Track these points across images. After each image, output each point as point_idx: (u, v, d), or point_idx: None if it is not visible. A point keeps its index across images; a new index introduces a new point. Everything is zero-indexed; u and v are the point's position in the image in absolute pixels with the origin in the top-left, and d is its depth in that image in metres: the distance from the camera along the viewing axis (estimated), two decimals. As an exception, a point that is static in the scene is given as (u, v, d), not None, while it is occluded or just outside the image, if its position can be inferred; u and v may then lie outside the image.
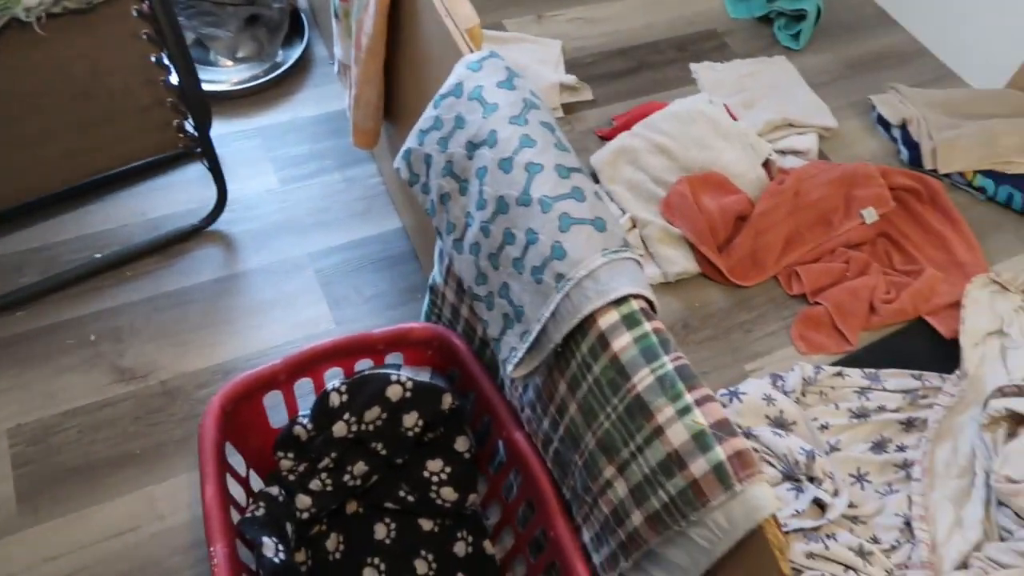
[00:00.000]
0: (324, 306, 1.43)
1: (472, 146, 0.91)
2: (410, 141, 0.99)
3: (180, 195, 1.58)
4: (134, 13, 1.30)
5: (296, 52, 1.88)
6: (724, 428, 0.68)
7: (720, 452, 0.66)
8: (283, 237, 1.52)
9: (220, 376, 1.32)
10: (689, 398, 0.69)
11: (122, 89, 1.35)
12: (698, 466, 0.67)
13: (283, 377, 1.06)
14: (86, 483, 1.18)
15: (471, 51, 1.00)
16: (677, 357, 0.72)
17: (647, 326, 0.74)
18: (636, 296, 0.76)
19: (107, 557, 1.12)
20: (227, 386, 1.01)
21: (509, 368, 0.85)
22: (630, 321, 0.74)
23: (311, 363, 1.08)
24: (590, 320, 0.76)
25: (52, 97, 1.29)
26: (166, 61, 1.35)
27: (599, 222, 0.80)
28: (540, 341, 0.81)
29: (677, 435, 0.69)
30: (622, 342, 0.74)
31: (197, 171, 1.61)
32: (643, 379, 0.72)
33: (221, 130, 1.70)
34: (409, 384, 1.06)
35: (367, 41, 1.23)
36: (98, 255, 1.46)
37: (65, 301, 1.39)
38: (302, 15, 1.93)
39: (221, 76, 1.83)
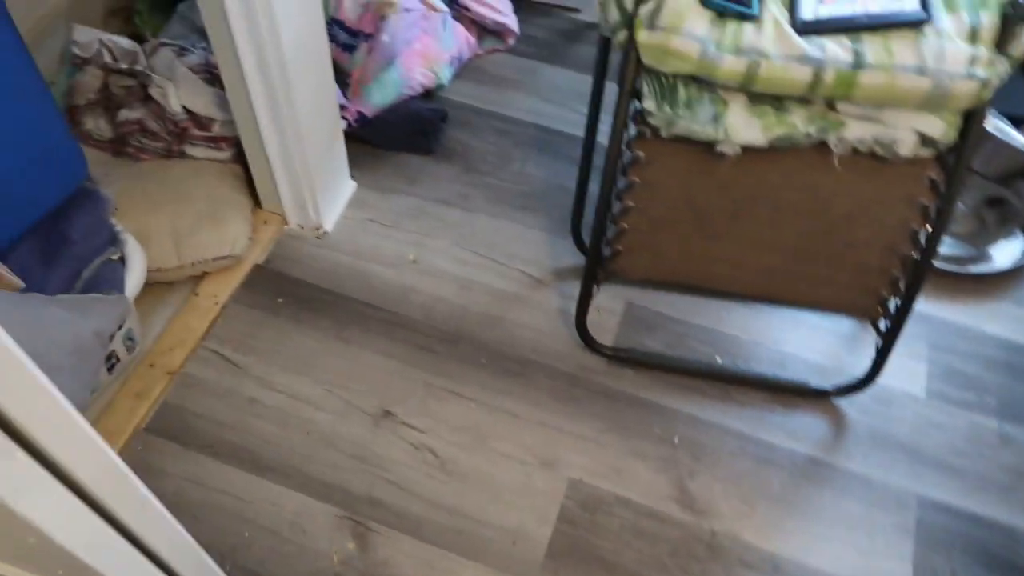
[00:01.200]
0: (907, 567, 1.19)
1: None
2: None
3: (819, 342, 1.45)
4: (926, 181, 1.18)
5: (1015, 252, 1.60)
6: None
7: None
8: (900, 457, 1.31)
9: (768, 566, 1.18)
10: None
11: (859, 239, 1.25)
12: None
13: None
14: (603, 583, 1.16)
15: None
16: None
17: None
18: None
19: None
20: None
21: None
22: None
23: None
24: None
25: (798, 218, 1.24)
26: (919, 235, 1.22)
27: None
28: None
29: None
30: None
31: (849, 326, 1.48)
32: None
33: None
34: None
35: None
36: (718, 359, 1.41)
37: (669, 385, 1.37)
38: None
39: (920, 237, 1.65)
